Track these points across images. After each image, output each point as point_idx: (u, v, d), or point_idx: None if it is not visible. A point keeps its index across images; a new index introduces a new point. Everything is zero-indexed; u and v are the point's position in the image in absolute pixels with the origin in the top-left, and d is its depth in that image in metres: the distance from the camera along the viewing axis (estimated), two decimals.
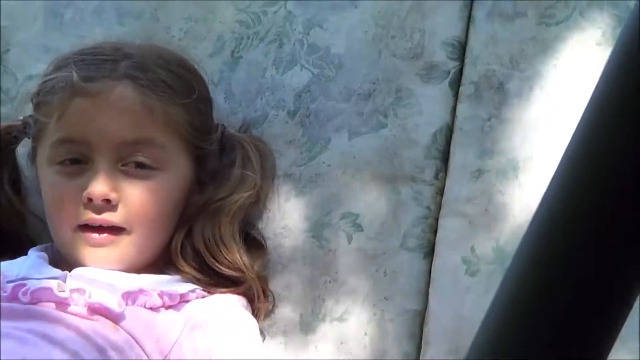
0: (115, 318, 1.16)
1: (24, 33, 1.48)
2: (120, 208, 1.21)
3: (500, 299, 0.54)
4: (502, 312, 0.54)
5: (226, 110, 1.36)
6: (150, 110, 1.21)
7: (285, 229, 1.31)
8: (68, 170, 1.23)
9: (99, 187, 1.19)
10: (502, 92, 1.29)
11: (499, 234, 1.25)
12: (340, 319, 1.27)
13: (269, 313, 1.28)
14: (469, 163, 1.28)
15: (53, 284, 1.17)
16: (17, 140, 1.34)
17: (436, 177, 1.29)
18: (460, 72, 1.31)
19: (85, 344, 1.14)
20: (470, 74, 1.31)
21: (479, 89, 1.30)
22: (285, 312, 1.29)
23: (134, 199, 1.22)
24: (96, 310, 1.16)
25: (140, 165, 1.22)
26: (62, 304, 1.16)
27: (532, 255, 0.53)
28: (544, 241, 0.53)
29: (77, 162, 1.22)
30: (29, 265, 1.23)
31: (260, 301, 1.26)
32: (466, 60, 1.31)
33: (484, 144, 1.28)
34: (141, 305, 1.18)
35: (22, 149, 1.35)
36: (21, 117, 1.34)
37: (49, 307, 1.16)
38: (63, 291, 1.16)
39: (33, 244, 1.34)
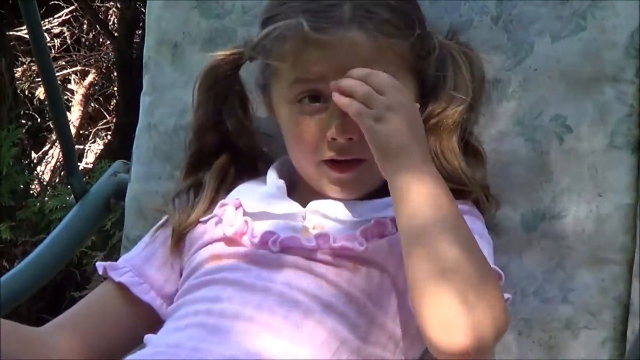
0: (358, 255, 1.19)
1: None
2: (360, 142, 1.22)
3: None
4: None
5: (432, 15, 1.36)
6: (379, 51, 1.22)
7: (500, 133, 1.35)
8: (308, 109, 1.24)
9: (343, 126, 1.21)
10: None
11: None
12: (559, 217, 1.31)
13: (492, 215, 1.32)
14: None
15: (298, 232, 1.21)
16: (238, 65, 1.35)
17: (637, 75, 1.31)
18: None
19: (334, 291, 1.17)
20: None
21: None
22: (507, 212, 1.33)
23: None
24: (340, 253, 1.19)
25: None
26: (309, 251, 1.19)
27: None
28: None
29: (316, 99, 1.24)
30: (270, 199, 1.27)
31: (484, 206, 1.29)
32: None
33: None
34: (378, 237, 1.21)
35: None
36: (242, 44, 1.35)
37: (297, 255, 1.19)
38: (309, 239, 1.20)
39: (266, 157, 1.39)
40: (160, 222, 1.34)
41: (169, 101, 1.50)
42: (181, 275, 1.28)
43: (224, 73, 1.34)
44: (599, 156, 1.31)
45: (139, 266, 1.29)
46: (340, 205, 1.25)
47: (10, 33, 3.89)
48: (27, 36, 3.85)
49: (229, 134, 1.35)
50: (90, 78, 4.02)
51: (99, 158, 3.93)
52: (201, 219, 1.29)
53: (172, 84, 1.50)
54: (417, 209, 1.13)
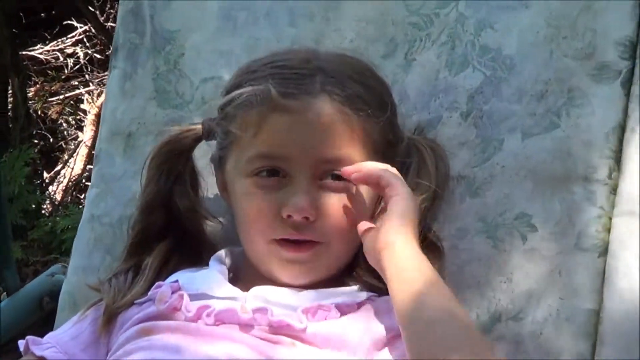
0: (297, 334, 1.15)
1: (197, 36, 1.50)
2: (317, 223, 1.20)
3: None
4: None
5: (401, 113, 1.35)
6: (348, 127, 1.20)
7: (460, 230, 1.32)
8: (265, 183, 1.21)
9: (300, 205, 1.18)
10: None
11: None
12: (516, 319, 1.28)
13: None
14: None
15: (237, 305, 1.17)
16: (195, 143, 1.34)
17: (609, 176, 1.28)
18: (632, 72, 1.30)
19: None
20: None
21: None
22: None
23: (332, 213, 1.20)
24: (278, 328, 1.15)
25: (337, 177, 1.21)
26: (245, 326, 1.16)
27: None
28: None
29: (275, 174, 1.21)
30: (210, 281, 1.24)
31: None
32: (637, 60, 1.30)
33: None
34: (321, 320, 1.17)
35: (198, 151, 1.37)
36: (200, 122, 1.34)
37: (233, 329, 1.16)
38: (246, 313, 1.16)
39: (212, 246, 1.35)
40: (93, 301, 1.31)
41: (117, 192, 1.49)
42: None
43: (179, 149, 1.32)
44: (563, 258, 1.27)
45: (64, 343, 1.26)
46: (283, 292, 1.21)
47: (24, 53, 3.92)
48: (40, 56, 3.89)
49: (179, 214, 1.32)
50: (102, 98, 4.05)
51: None
52: (136, 301, 1.25)
53: (122, 174, 1.50)
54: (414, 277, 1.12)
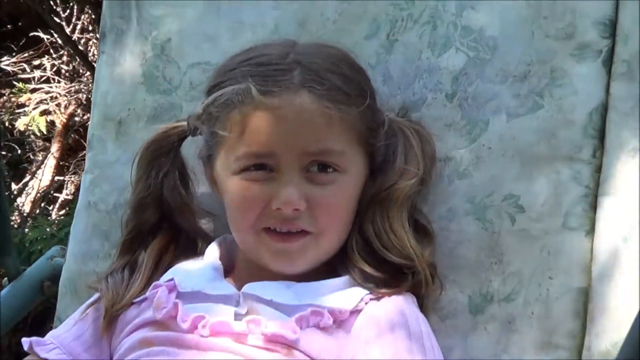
0: (291, 344, 1.16)
1: (182, 21, 1.48)
2: (307, 212, 1.21)
3: None
4: None
5: (385, 93, 1.35)
6: (329, 119, 1.20)
7: (449, 212, 1.32)
8: (253, 176, 1.22)
9: (289, 197, 1.19)
10: None
11: None
12: (508, 299, 1.28)
13: (437, 297, 1.29)
14: (625, 141, 1.27)
15: (229, 316, 1.18)
16: (181, 140, 1.34)
17: (594, 155, 1.29)
18: (612, 51, 1.30)
19: None
20: (622, 52, 1.30)
21: (631, 67, 1.29)
22: (454, 294, 1.30)
23: (321, 203, 1.21)
24: (272, 339, 1.16)
25: (323, 168, 1.22)
26: (240, 336, 1.17)
27: None
28: None
29: (262, 168, 1.22)
30: (205, 278, 1.25)
31: (428, 287, 1.26)
32: (617, 39, 1.31)
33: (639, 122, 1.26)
34: (314, 326, 1.18)
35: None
36: (186, 118, 1.34)
37: (228, 340, 1.17)
38: (240, 323, 1.17)
39: (206, 235, 1.36)
40: (92, 299, 1.32)
41: (111, 178, 1.49)
42: (111, 358, 1.26)
43: (166, 147, 1.33)
44: (551, 237, 1.28)
45: (67, 344, 1.27)
46: (276, 287, 1.22)
47: None
48: (7, 68, 3.85)
49: (170, 211, 1.33)
50: (70, 109, 4.02)
51: (79, 189, 3.91)
52: (134, 300, 1.26)
53: (115, 160, 1.49)
54: None
